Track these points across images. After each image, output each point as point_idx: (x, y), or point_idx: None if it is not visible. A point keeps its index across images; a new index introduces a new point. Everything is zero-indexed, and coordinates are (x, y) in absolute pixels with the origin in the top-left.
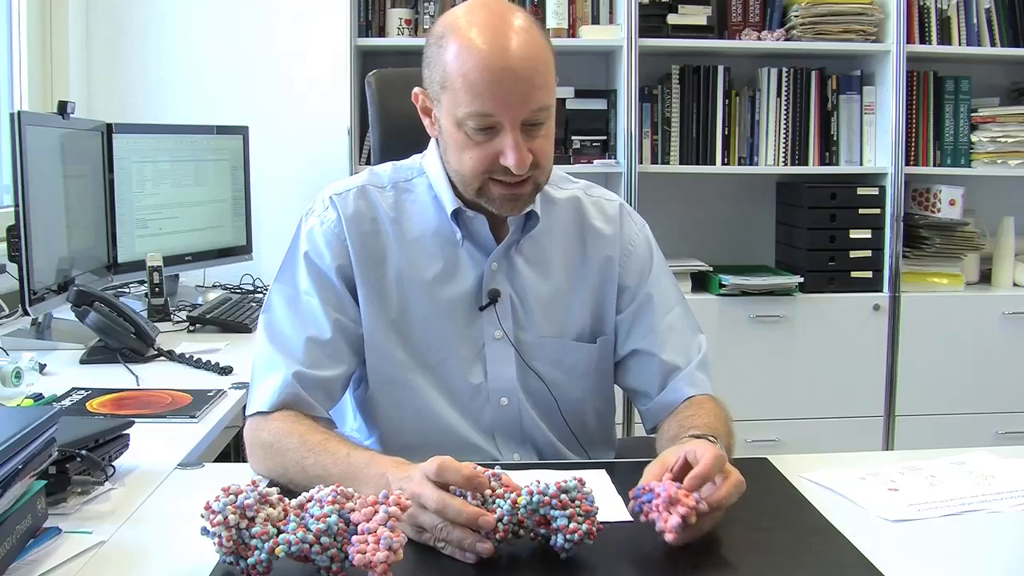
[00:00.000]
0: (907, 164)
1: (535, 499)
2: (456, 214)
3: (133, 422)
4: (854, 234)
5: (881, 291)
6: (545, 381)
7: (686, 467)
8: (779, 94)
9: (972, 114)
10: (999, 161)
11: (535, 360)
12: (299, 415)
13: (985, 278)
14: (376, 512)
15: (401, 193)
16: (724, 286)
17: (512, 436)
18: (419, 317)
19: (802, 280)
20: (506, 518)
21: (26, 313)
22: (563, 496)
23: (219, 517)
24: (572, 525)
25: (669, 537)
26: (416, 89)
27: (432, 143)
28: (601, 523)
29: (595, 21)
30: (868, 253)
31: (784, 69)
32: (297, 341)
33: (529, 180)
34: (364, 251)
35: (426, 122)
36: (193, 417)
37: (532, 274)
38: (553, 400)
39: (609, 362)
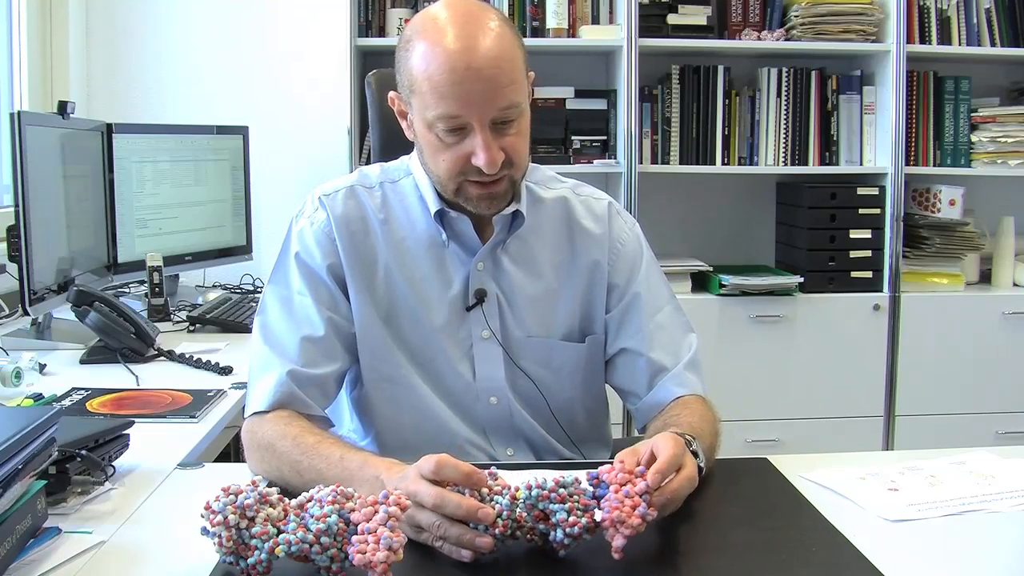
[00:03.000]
0: (907, 164)
1: (534, 493)
2: (440, 215)
3: (133, 422)
4: (854, 234)
5: (881, 291)
6: (533, 380)
7: (652, 460)
8: (779, 94)
9: (972, 114)
10: (999, 161)
11: (523, 359)
12: (294, 415)
13: (985, 278)
14: (376, 512)
15: (389, 194)
16: (724, 286)
17: (503, 433)
18: (408, 316)
19: (802, 280)
20: (505, 513)
21: (26, 313)
22: (561, 491)
23: (219, 517)
24: (571, 519)
25: (616, 556)
26: (391, 93)
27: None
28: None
29: (595, 21)
30: (868, 253)
31: (784, 69)
32: (291, 341)
33: (504, 178)
34: (354, 250)
35: (403, 125)
36: (193, 417)
37: (519, 273)
38: (542, 398)
39: (599, 361)
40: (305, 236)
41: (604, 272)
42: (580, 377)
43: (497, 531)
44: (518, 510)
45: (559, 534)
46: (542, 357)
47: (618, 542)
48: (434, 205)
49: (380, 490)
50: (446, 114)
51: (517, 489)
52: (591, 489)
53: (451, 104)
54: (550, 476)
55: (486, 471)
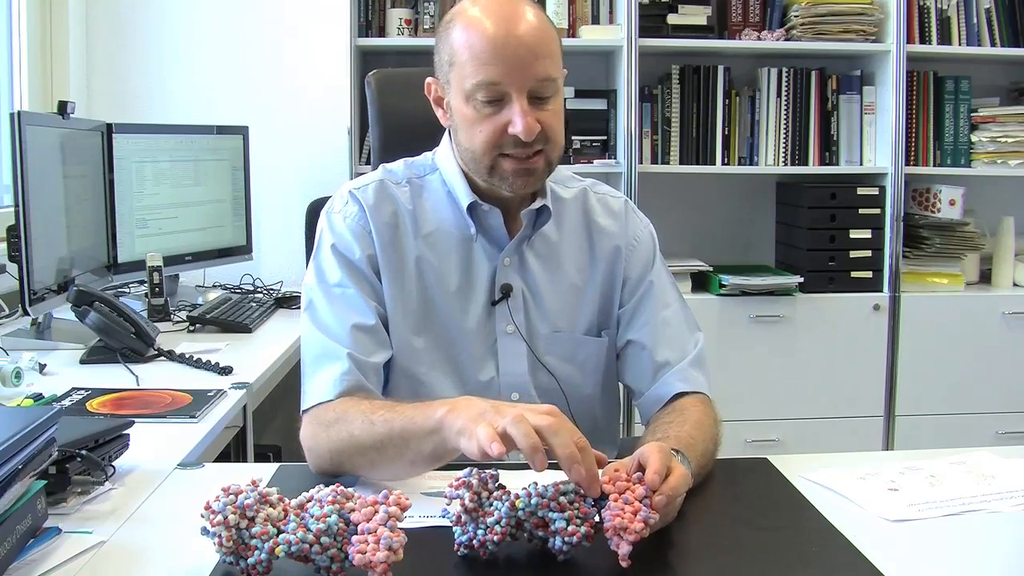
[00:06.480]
0: (907, 164)
1: (533, 501)
2: (471, 208)
3: (133, 422)
4: (854, 234)
5: (881, 291)
6: (556, 376)
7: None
8: (779, 94)
9: (972, 114)
10: (999, 161)
11: (547, 355)
12: (364, 397)
13: (985, 278)
14: (376, 512)
15: (416, 188)
16: (724, 286)
17: None
18: (434, 311)
19: (802, 280)
20: (504, 520)
21: (26, 313)
22: (561, 499)
23: (219, 517)
24: (570, 528)
25: (623, 564)
26: (428, 79)
27: (444, 138)
28: (599, 523)
29: (595, 21)
30: (868, 253)
31: (784, 69)
32: (343, 331)
33: (540, 155)
34: (387, 241)
35: (439, 113)
36: (193, 417)
37: (543, 269)
38: (563, 396)
39: (614, 356)
40: (340, 228)
41: (621, 267)
42: (602, 373)
43: (495, 538)
44: (518, 516)
45: (558, 542)
46: (567, 352)
47: (623, 549)
48: (466, 198)
49: (461, 409)
50: (486, 81)
51: (517, 497)
52: (592, 499)
53: (491, 71)
54: (549, 483)
55: (486, 473)
